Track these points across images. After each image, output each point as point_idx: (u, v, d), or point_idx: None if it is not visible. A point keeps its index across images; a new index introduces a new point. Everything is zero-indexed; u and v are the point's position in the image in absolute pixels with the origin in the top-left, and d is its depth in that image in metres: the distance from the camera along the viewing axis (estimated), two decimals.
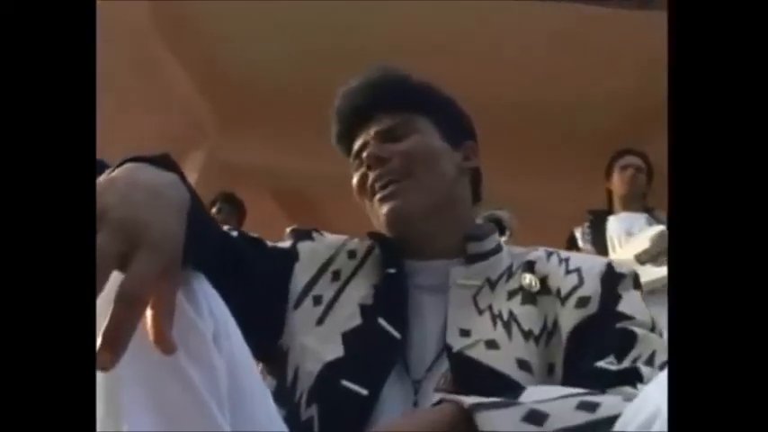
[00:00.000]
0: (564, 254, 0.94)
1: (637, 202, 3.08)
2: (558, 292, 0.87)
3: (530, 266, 0.91)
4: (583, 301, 0.85)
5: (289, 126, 4.03)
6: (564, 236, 3.13)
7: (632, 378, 0.76)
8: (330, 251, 0.95)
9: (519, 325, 0.84)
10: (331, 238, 0.98)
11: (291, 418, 0.79)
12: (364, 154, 0.94)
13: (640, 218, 3.00)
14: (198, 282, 0.65)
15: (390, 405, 0.79)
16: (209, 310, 0.63)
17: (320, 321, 0.86)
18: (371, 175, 0.93)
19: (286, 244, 0.96)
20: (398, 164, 0.92)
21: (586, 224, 3.08)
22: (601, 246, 2.94)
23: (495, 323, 0.84)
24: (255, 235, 0.93)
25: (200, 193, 0.71)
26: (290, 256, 0.93)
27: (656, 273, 2.65)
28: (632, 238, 2.87)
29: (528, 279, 0.89)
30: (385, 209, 0.91)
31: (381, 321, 0.84)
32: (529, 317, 0.85)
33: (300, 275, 0.91)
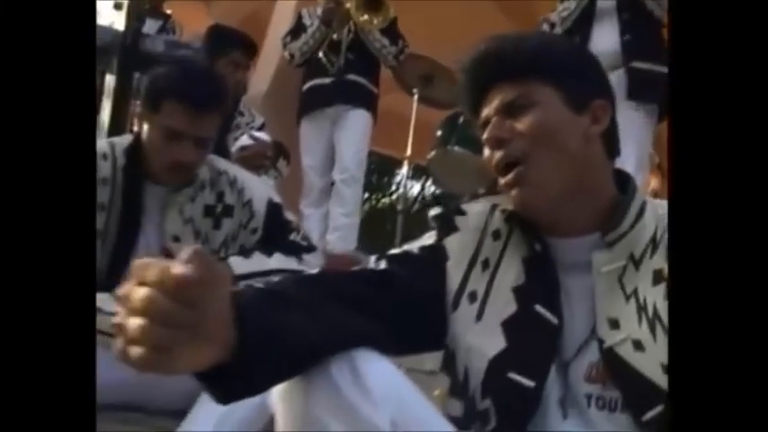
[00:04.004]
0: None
1: None
2: None
3: None
4: None
5: None
6: None
7: None
8: (476, 238, 0.94)
9: (662, 323, 0.81)
10: (473, 220, 0.96)
11: (468, 409, 0.87)
12: (486, 134, 0.91)
13: None
14: (366, 363, 0.71)
15: (548, 388, 0.84)
16: (383, 396, 0.69)
17: (479, 317, 0.89)
18: (495, 156, 0.91)
19: (431, 240, 0.96)
20: (517, 146, 0.89)
21: None
22: None
23: (640, 318, 0.83)
24: (399, 251, 0.95)
25: None
26: (440, 257, 0.94)
27: None
28: None
29: None
30: (512, 196, 0.90)
31: (538, 308, 0.86)
32: None
33: (453, 274, 0.92)
